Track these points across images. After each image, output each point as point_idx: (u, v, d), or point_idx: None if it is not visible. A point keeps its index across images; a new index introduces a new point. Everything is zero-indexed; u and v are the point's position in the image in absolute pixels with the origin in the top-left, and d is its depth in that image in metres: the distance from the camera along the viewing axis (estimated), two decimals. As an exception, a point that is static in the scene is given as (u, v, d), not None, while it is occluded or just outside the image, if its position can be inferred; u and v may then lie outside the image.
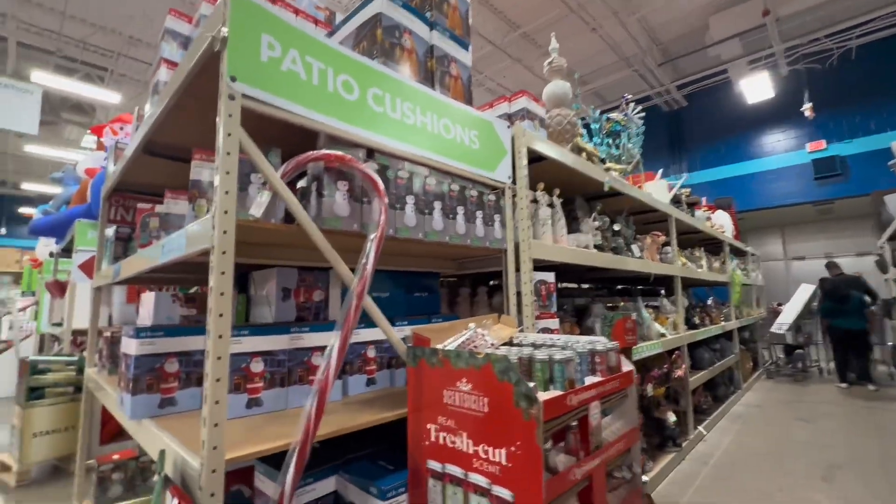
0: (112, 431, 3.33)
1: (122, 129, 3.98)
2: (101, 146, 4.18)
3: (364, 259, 1.05)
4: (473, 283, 2.20)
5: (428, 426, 1.12)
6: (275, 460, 1.00)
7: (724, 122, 10.17)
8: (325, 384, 0.94)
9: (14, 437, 2.90)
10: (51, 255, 6.55)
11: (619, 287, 4.45)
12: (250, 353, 1.22)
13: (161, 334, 1.31)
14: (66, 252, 5.15)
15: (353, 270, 1.08)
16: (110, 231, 2.41)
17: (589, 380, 1.10)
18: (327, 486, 1.22)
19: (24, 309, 6.90)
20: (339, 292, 1.54)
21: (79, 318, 3.56)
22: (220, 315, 0.87)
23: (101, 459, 2.28)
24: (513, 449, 0.91)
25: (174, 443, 1.00)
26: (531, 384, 0.90)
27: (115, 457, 2.33)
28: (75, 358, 3.23)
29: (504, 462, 0.92)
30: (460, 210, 1.48)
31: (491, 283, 2.27)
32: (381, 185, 1.11)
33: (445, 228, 1.42)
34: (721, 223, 4.89)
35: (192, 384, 1.35)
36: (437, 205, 1.40)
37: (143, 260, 1.49)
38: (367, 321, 1.47)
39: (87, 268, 3.46)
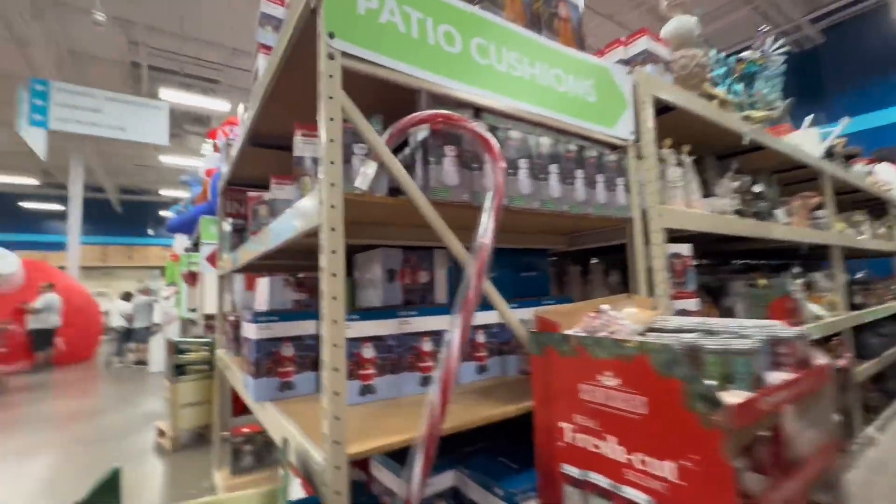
0: (242, 405, 3.70)
1: (231, 130, 4.34)
2: (216, 148, 4.60)
3: (481, 232, 0.91)
4: (583, 260, 1.97)
5: (561, 424, 0.96)
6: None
7: (882, 57, 8.28)
8: (448, 373, 0.83)
9: (167, 408, 3.34)
10: (185, 250, 7.56)
11: (750, 262, 3.82)
12: (361, 338, 1.17)
13: (276, 319, 1.31)
14: (196, 246, 5.86)
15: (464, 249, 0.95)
16: (227, 223, 2.60)
17: (774, 376, 0.85)
18: (444, 480, 1.12)
19: (168, 297, 8.07)
20: (444, 273, 1.43)
21: (209, 305, 3.99)
22: (334, 298, 0.79)
23: (233, 432, 2.51)
24: (687, 463, 0.71)
25: (296, 431, 0.97)
26: (709, 382, 0.69)
27: (245, 430, 2.54)
28: (208, 339, 3.62)
29: (674, 478, 0.73)
30: (579, 174, 1.27)
31: (593, 260, 2.01)
32: (496, 146, 0.96)
33: (563, 196, 1.22)
34: (886, 179, 3.94)
35: (306, 368, 1.34)
36: (553, 169, 1.21)
37: (255, 246, 1.52)
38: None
39: (212, 259, 3.84)
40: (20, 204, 16.23)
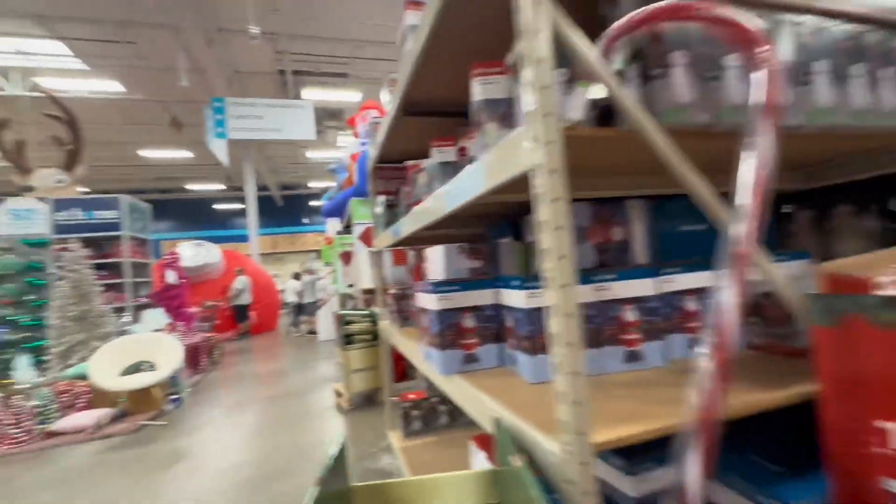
0: (400, 372, 3.98)
1: (368, 114, 4.57)
2: (356, 134, 4.92)
3: (756, 163, 0.65)
4: (816, 202, 1.50)
5: (878, 424, 0.67)
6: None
7: None
8: (724, 342, 0.62)
9: (341, 372, 3.74)
10: (337, 233, 8.46)
11: None
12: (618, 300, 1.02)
13: (457, 289, 1.23)
14: (347, 229, 6.47)
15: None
16: (380, 201, 2.71)
17: None
18: (662, 478, 0.92)
19: (325, 277, 9.19)
20: (642, 229, 1.18)
21: (364, 280, 4.33)
22: (562, 257, 0.64)
23: (401, 397, 2.66)
24: None
25: (505, 411, 0.86)
26: None
27: (412, 396, 2.67)
28: (367, 312, 3.94)
29: None
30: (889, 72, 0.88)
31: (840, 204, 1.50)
32: (761, 34, 0.67)
33: (871, 106, 0.86)
34: None
35: (489, 340, 1.25)
36: (857, 70, 0.85)
37: (422, 217, 1.46)
38: (682, 264, 1.09)
39: (365, 237, 4.13)
40: (213, 206, 20.11)
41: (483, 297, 1.25)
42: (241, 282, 9.03)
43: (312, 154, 14.89)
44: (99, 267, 5.42)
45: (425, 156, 2.75)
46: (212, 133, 7.10)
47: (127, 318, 5.32)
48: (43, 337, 4.60)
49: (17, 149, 6.25)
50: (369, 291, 4.19)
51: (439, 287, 1.22)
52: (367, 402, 3.75)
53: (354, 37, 8.95)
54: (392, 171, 2.84)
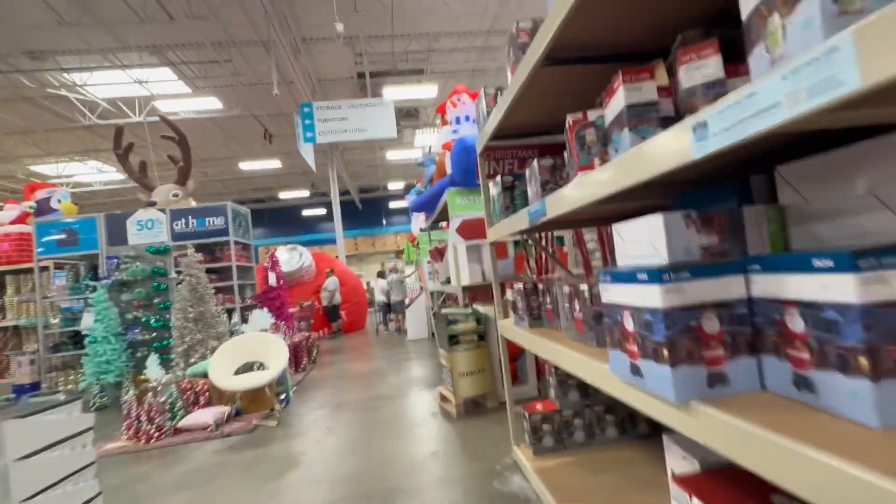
0: (513, 375, 3.64)
1: (458, 100, 4.30)
2: (444, 122, 4.67)
3: None
4: None
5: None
6: None
7: None
8: None
9: (446, 375, 3.50)
10: (421, 230, 8.37)
11: None
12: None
13: (688, 276, 0.85)
14: (434, 224, 6.29)
15: None
16: (495, 184, 2.39)
17: None
18: None
19: (411, 275, 9.15)
20: None
21: (464, 275, 4.05)
22: None
23: (528, 408, 2.32)
24: None
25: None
26: None
27: (539, 407, 2.32)
28: (470, 310, 3.65)
29: None
30: None
31: None
32: None
33: None
34: None
35: (741, 352, 0.85)
36: None
37: (596, 185, 1.10)
38: None
39: (465, 230, 3.85)
40: (301, 213, 21.43)
41: (731, 287, 0.85)
42: (332, 282, 9.32)
43: (392, 154, 15.12)
44: (209, 271, 5.77)
45: (555, 128, 2.38)
46: (301, 138, 7.35)
47: (236, 318, 5.60)
48: (168, 337, 4.95)
49: (141, 169, 6.95)
50: (471, 288, 3.90)
51: (664, 274, 0.84)
52: (474, 407, 3.47)
53: (429, 30, 8.80)
54: (507, 151, 2.50)
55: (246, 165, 14.50)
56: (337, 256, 13.02)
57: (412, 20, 8.41)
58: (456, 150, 3.75)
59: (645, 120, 1.01)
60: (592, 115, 1.24)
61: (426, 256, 7.59)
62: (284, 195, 19.99)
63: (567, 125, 1.29)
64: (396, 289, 8.72)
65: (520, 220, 1.87)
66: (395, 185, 20.07)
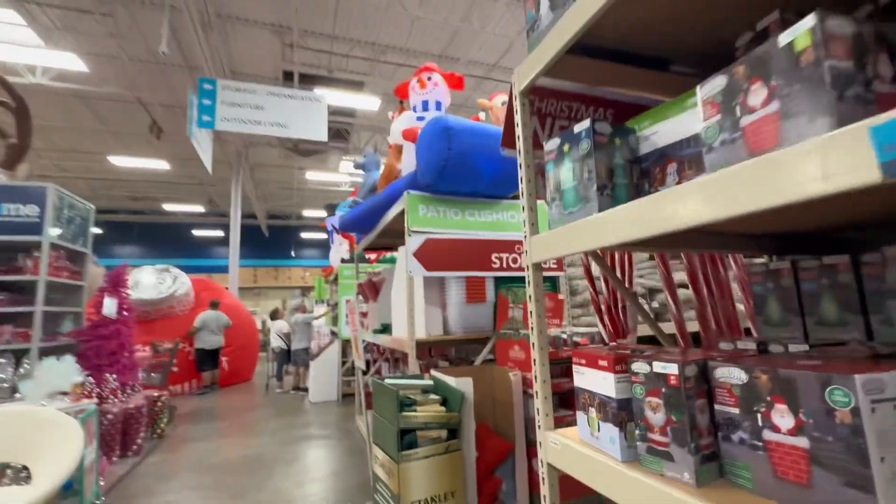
0: (493, 495, 2.23)
1: (429, 79, 3.13)
2: (402, 109, 3.43)
3: None
4: None
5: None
6: None
7: None
8: None
9: (385, 500, 1.99)
10: (343, 261, 6.76)
11: None
12: None
13: None
14: (369, 251, 4.82)
15: None
16: (565, 143, 1.13)
17: None
18: None
19: (320, 317, 7.34)
20: None
21: (420, 325, 2.67)
22: None
23: None
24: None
25: None
26: None
27: None
28: (429, 381, 2.25)
29: None
30: None
31: None
32: None
33: None
34: None
35: None
36: None
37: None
38: None
39: (428, 254, 2.52)
40: (191, 231, 18.19)
41: None
42: (209, 317, 7.12)
43: (313, 175, 13.37)
44: (-1, 287, 3.66)
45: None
46: (195, 121, 5.51)
47: (27, 366, 3.44)
48: None
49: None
50: (426, 343, 2.53)
51: None
52: (426, 557, 1.97)
53: (376, 38, 7.74)
54: (565, 99, 1.31)
55: (121, 161, 11.61)
56: (228, 287, 10.62)
57: (359, 21, 7.30)
58: (429, 133, 2.50)
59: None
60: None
61: (347, 294, 6.00)
62: (172, 208, 16.73)
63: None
64: (300, 333, 6.83)
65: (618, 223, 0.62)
66: (312, 213, 18.01)
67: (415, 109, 3.16)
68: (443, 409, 2.06)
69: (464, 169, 2.52)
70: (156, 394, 4.26)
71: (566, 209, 1.05)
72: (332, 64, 8.28)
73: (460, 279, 2.71)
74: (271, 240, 19.27)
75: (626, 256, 2.11)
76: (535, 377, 1.18)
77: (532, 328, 1.20)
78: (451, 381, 2.18)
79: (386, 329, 3.32)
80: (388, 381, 2.18)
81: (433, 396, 2.12)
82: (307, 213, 18.03)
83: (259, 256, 19.05)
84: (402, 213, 2.84)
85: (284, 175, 14.29)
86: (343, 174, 13.22)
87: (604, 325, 1.97)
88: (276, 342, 7.33)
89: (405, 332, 2.69)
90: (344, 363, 6.45)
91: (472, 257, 2.66)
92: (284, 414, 5.34)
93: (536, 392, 1.18)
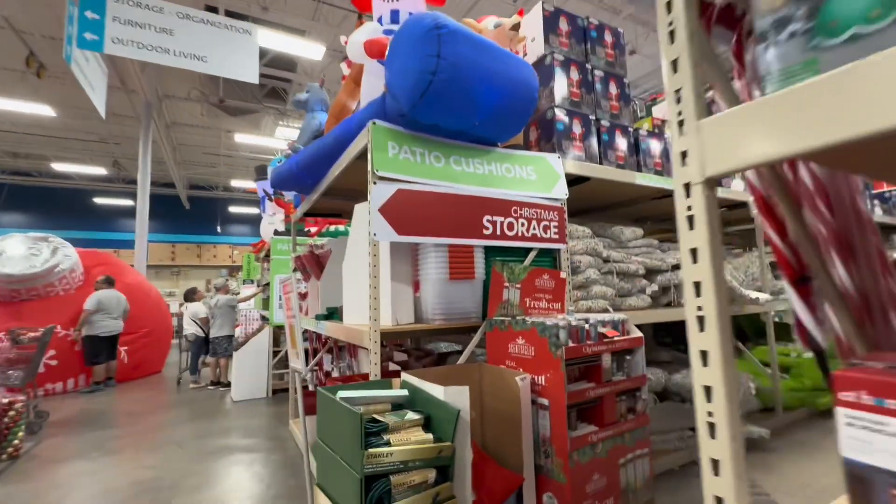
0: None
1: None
2: (359, 23, 2.61)
3: None
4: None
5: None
6: None
7: None
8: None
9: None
10: (276, 233, 5.74)
11: None
12: None
13: None
14: (310, 216, 3.92)
15: None
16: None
17: None
18: None
19: (247, 299, 6.27)
20: None
21: (386, 310, 1.93)
22: None
23: None
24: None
25: None
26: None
27: None
28: (405, 392, 1.55)
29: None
30: None
31: None
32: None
33: None
34: None
35: None
36: None
37: None
38: None
39: (397, 211, 1.77)
40: (93, 199, 15.63)
41: None
42: (101, 297, 5.81)
43: (243, 139, 11.78)
44: None
45: None
46: (74, 39, 4.09)
47: None
48: None
49: None
50: (392, 334, 1.81)
51: None
52: None
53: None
54: None
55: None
56: (134, 265, 9.02)
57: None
58: (412, 33, 1.74)
59: None
60: None
61: (281, 272, 5.04)
62: (63, 168, 14.07)
63: None
64: (222, 318, 5.74)
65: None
66: (241, 184, 16.14)
67: (380, 22, 2.36)
68: (428, 435, 1.37)
69: (455, 91, 1.79)
70: (5, 399, 3.13)
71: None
72: (267, 3, 7.01)
73: (441, 248, 2.00)
74: (193, 213, 17.14)
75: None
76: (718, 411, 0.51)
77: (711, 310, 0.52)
78: (435, 390, 1.48)
79: (333, 315, 2.53)
80: (341, 393, 1.44)
81: (411, 416, 1.42)
82: (236, 183, 16.19)
83: (178, 231, 16.90)
84: (361, 158, 2.06)
85: (209, 138, 12.52)
86: (279, 139, 11.78)
87: (859, 324, 0.74)
88: (189, 328, 6.15)
89: (363, 319, 1.94)
90: (276, 353, 5.52)
91: (458, 219, 1.95)
92: (198, 417, 4.35)
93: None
